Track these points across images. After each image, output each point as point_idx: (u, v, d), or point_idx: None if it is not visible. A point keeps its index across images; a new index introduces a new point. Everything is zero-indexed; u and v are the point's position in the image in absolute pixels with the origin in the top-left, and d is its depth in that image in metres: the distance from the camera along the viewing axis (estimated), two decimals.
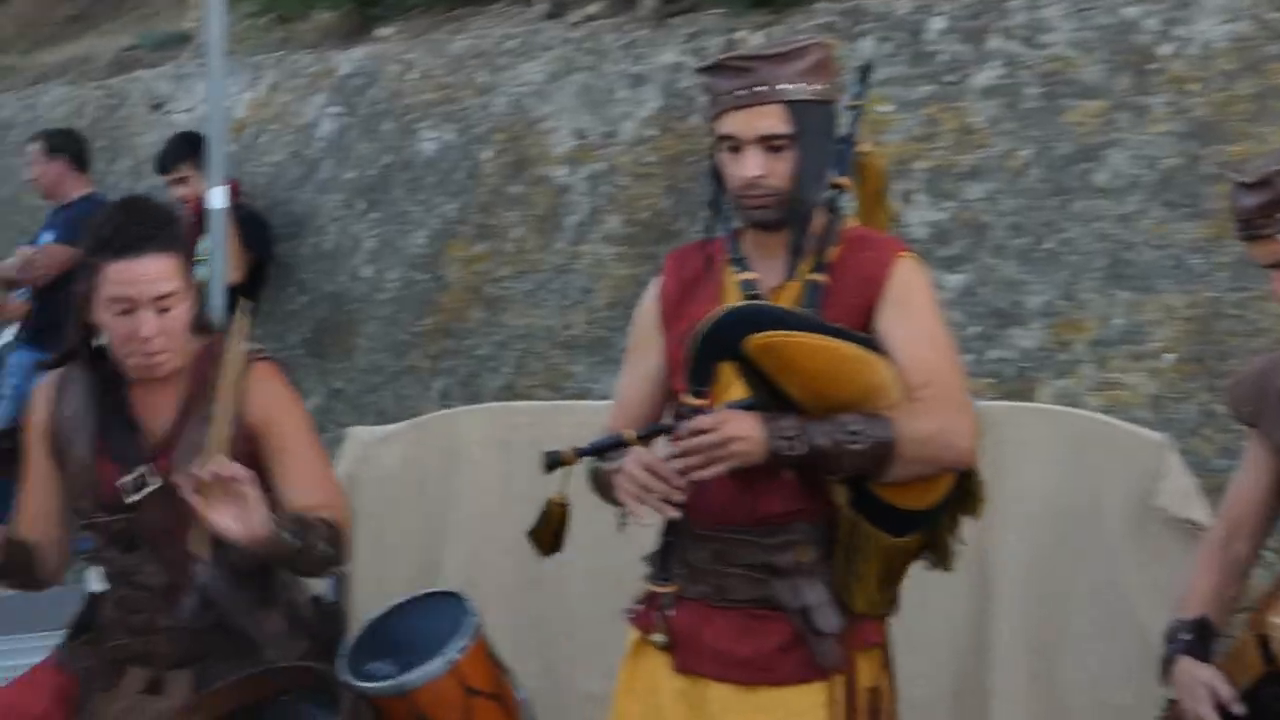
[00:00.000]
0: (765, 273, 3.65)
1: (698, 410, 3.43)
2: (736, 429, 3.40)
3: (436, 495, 5.72)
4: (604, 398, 6.76)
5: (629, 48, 7.41)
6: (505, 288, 7.50)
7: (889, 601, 3.65)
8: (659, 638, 3.67)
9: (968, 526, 3.71)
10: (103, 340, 4.05)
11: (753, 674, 3.58)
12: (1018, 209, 6.13)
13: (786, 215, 3.59)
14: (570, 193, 7.42)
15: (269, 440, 4.01)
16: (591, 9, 7.82)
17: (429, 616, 3.97)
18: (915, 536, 3.57)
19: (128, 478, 4.00)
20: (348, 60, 8.95)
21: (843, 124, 3.73)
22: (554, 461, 3.74)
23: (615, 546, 3.98)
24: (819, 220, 3.63)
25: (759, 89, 3.55)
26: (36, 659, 6.82)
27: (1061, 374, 5.82)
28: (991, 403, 5.20)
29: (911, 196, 6.35)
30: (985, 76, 6.38)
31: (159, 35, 11.49)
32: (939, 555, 3.68)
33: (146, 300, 3.91)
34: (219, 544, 3.85)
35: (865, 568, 3.54)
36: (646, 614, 3.74)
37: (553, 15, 7.99)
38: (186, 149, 8.21)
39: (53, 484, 4.18)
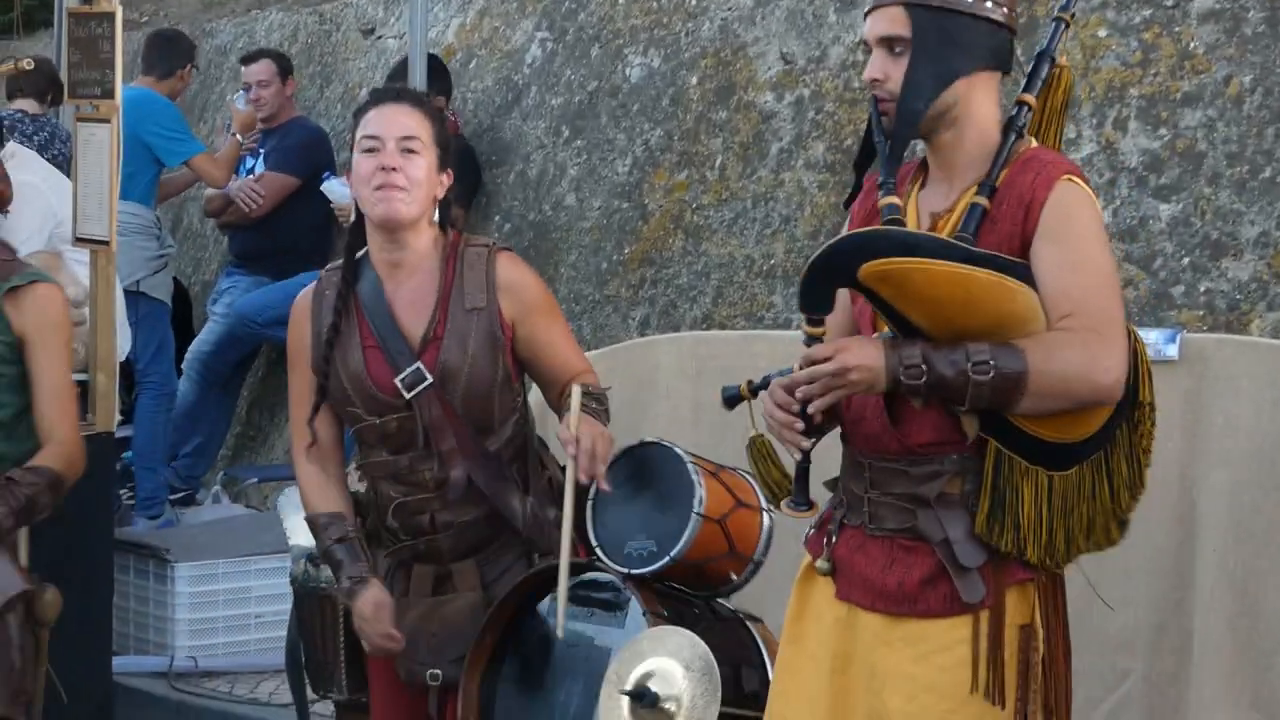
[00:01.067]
0: (935, 195, 3.52)
1: (814, 339, 3.35)
2: (853, 357, 3.33)
3: (629, 424, 5.66)
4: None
5: None
6: (707, 216, 7.42)
7: (1070, 553, 3.50)
8: (823, 564, 3.63)
9: (1172, 461, 3.55)
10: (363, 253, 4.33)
11: (898, 605, 3.51)
12: (1235, 137, 5.92)
13: (895, 124, 3.46)
14: (775, 119, 7.30)
15: (531, 323, 4.26)
16: None
17: (645, 473, 4.19)
18: (1076, 471, 3.42)
19: (403, 375, 4.18)
20: None
21: (1042, 37, 3.60)
22: (731, 397, 3.85)
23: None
24: (992, 137, 3.49)
25: None
26: (250, 581, 7.05)
27: (1275, 307, 5.62)
28: (1200, 335, 5.05)
29: (1125, 123, 6.16)
30: (1206, 1, 6.16)
31: None
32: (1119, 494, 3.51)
33: (392, 139, 4.16)
34: (479, 435, 4.19)
35: (1030, 510, 3.41)
36: (817, 539, 3.69)
37: None
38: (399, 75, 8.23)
39: (325, 406, 4.34)
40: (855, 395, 3.39)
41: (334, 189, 8.44)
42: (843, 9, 7.18)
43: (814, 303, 3.37)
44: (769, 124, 7.33)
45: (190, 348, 9.00)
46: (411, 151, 4.18)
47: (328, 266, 4.43)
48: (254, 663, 7.03)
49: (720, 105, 7.56)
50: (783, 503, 3.62)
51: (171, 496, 8.61)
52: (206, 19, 12.59)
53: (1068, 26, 3.67)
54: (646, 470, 4.20)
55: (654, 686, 3.82)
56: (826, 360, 3.33)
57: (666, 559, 4.00)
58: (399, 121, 4.20)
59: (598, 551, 4.12)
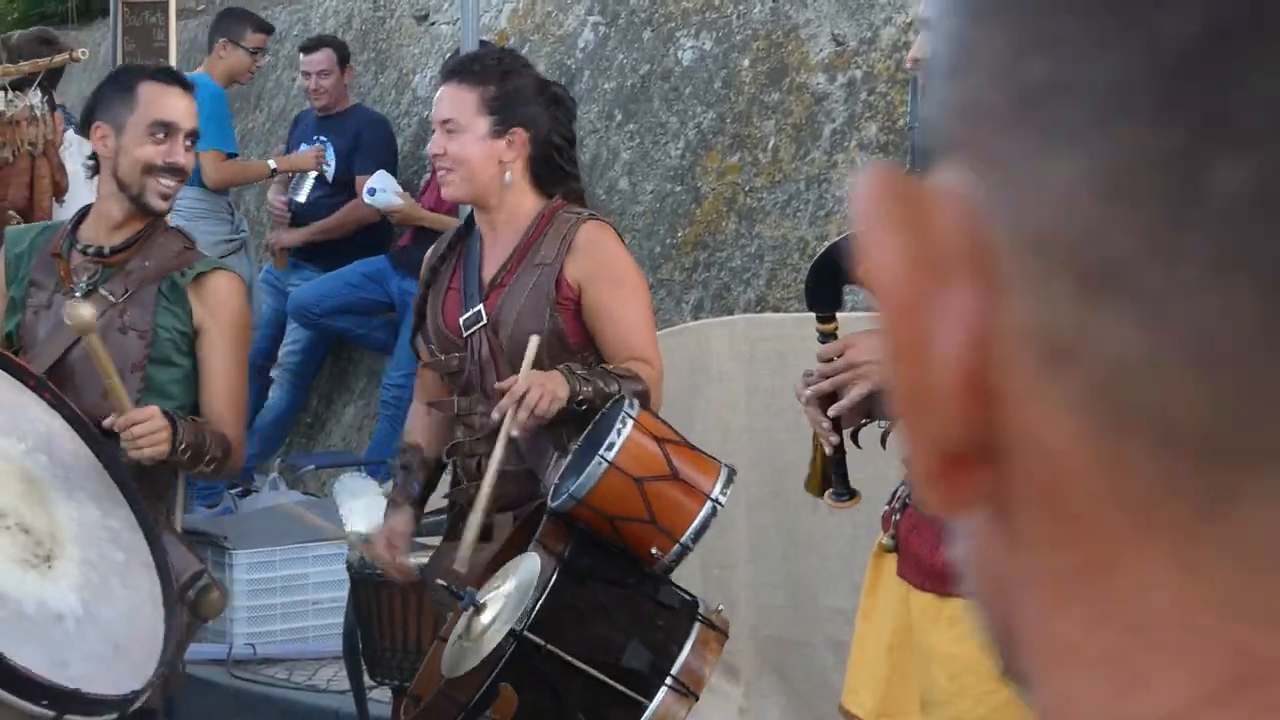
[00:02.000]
0: None
1: (828, 336, 3.39)
2: (860, 353, 3.41)
3: (682, 407, 5.66)
4: (858, 309, 6.66)
5: None
6: (760, 198, 7.40)
7: None
8: (886, 540, 3.67)
9: None
10: None
11: (945, 584, 3.53)
12: None
13: None
14: (827, 101, 7.27)
15: (597, 290, 4.31)
16: None
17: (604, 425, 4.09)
18: None
19: (465, 315, 4.37)
20: None
21: None
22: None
23: (861, 463, 3.91)
24: None
25: None
26: (310, 569, 7.07)
27: None
28: None
29: None
30: None
31: None
32: None
33: (438, 122, 4.38)
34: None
35: None
36: (888, 515, 3.73)
37: None
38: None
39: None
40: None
41: (379, 199, 8.40)
42: None
43: (820, 301, 3.41)
44: (821, 105, 7.30)
45: (281, 356, 9.01)
46: (452, 132, 4.32)
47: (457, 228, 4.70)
48: (312, 649, 7.05)
49: (772, 87, 7.54)
50: (826, 494, 3.63)
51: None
52: (262, 5, 12.62)
53: None
54: (606, 423, 4.12)
55: (485, 599, 3.87)
56: (837, 357, 3.38)
57: (566, 496, 3.88)
58: (441, 104, 4.39)
59: (551, 490, 4.07)
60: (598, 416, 4.13)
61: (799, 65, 7.45)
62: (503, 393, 4.10)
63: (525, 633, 3.75)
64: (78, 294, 4.44)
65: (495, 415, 4.10)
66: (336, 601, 6.52)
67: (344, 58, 9.19)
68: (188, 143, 4.51)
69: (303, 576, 7.10)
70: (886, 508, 3.75)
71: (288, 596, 7.11)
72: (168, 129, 4.47)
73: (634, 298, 4.42)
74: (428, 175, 8.73)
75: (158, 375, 4.43)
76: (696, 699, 3.89)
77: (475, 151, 4.33)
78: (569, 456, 4.09)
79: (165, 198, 4.52)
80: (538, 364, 4.18)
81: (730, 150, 7.62)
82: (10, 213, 8.16)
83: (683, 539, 3.98)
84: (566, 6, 9.01)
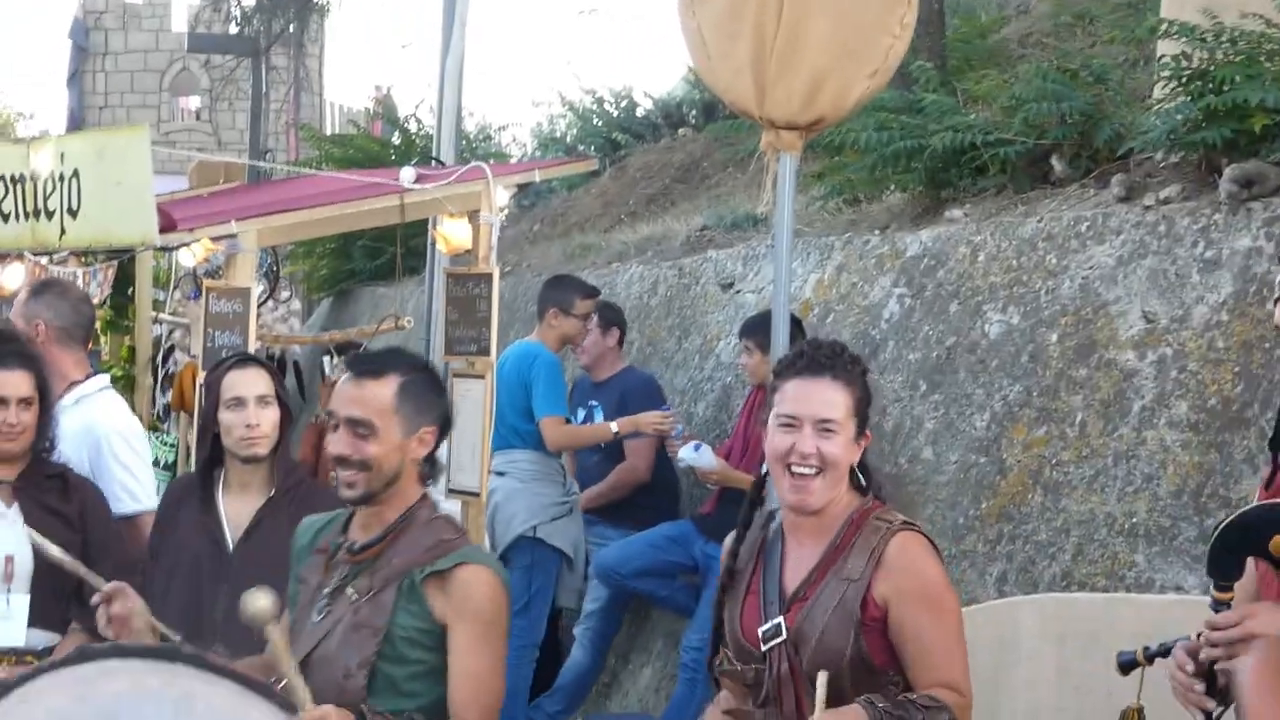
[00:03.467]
0: None
1: (1222, 605, 3.35)
2: (1260, 625, 3.36)
3: (989, 686, 5.62)
4: (1166, 589, 6.56)
5: (1203, 231, 7.23)
6: (1066, 472, 7.36)
7: None
8: None
9: None
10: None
11: None
12: None
13: None
14: (1137, 377, 7.24)
15: (905, 609, 4.08)
16: (1166, 192, 7.67)
17: None
18: None
19: (765, 626, 4.14)
20: (916, 241, 8.99)
21: None
22: (1128, 663, 3.78)
23: None
24: None
25: None
26: None
27: None
28: None
29: None
30: None
31: (732, 216, 11.80)
32: None
33: (810, 421, 4.10)
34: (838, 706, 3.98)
35: None
36: None
37: (1125, 198, 7.86)
38: (762, 327, 8.39)
39: None
40: None
41: (689, 456, 8.50)
42: (1206, 269, 7.13)
43: (1222, 570, 3.39)
44: (1130, 382, 7.27)
45: (582, 615, 9.13)
46: (829, 432, 4.12)
47: (769, 508, 4.41)
48: None
49: (1080, 363, 7.53)
50: None
51: None
52: (568, 270, 12.97)
53: None
54: None
55: None
56: (1233, 626, 3.34)
57: None
58: (819, 399, 4.13)
59: None
60: None
61: (1108, 341, 7.44)
62: None
63: None
64: (325, 592, 4.43)
65: None
66: None
67: (607, 320, 9.37)
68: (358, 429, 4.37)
69: None
70: None
71: None
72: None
73: (946, 618, 4.16)
74: (727, 439, 8.85)
75: (391, 672, 4.31)
76: None
77: (844, 454, 4.16)
78: None
79: (350, 486, 4.42)
80: (838, 687, 3.97)
81: (1036, 423, 7.61)
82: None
83: None
84: (872, 278, 9.13)
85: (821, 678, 3.91)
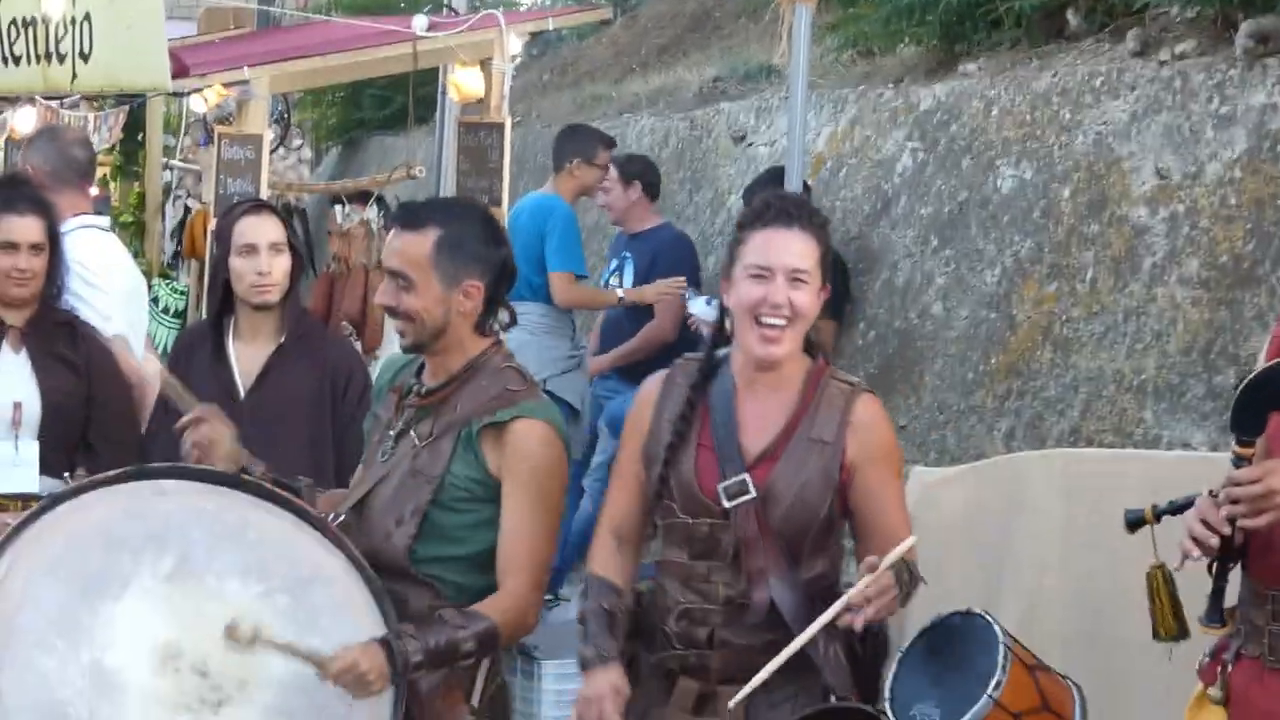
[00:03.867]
0: None
1: (1244, 460, 3.35)
2: None
3: (996, 541, 5.65)
4: (1174, 446, 6.59)
5: (1219, 87, 7.18)
6: (1076, 329, 7.36)
7: None
8: (1215, 692, 3.67)
9: None
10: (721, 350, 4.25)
11: None
12: None
13: None
14: (1149, 234, 7.23)
15: (870, 471, 4.11)
16: (1182, 47, 7.61)
17: (958, 642, 3.95)
18: None
19: (727, 483, 4.10)
20: (930, 95, 8.94)
21: None
22: (1136, 520, 3.78)
23: (1196, 598, 3.89)
24: None
25: None
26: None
27: None
28: None
29: None
30: None
31: (745, 67, 11.72)
32: None
33: (782, 270, 4.06)
34: (795, 564, 4.06)
35: None
36: (1211, 667, 3.71)
37: (1140, 53, 7.80)
38: (767, 187, 8.34)
39: (638, 487, 4.29)
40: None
41: (700, 310, 8.52)
42: (1220, 125, 7.10)
43: (1246, 424, 3.40)
44: (1142, 238, 7.26)
45: (591, 468, 9.18)
46: (800, 283, 4.08)
47: (685, 355, 4.38)
48: None
49: (1092, 218, 7.52)
50: (1197, 617, 3.60)
51: None
52: (578, 120, 12.92)
53: None
54: (959, 638, 3.97)
55: None
56: (1254, 482, 3.35)
57: None
58: (791, 249, 4.09)
59: (885, 706, 3.91)
60: (940, 623, 3.99)
61: (1120, 197, 7.42)
62: (869, 569, 3.84)
63: None
64: (392, 433, 4.46)
65: (843, 603, 3.84)
66: None
67: (628, 175, 9.28)
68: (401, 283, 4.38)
69: None
70: (1207, 660, 3.73)
71: None
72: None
73: (898, 481, 4.24)
74: None
75: (441, 519, 4.33)
76: None
77: (810, 308, 4.13)
78: (896, 664, 3.95)
79: (401, 335, 4.44)
80: (799, 548, 4.08)
81: (1048, 279, 7.61)
82: (344, 324, 8.47)
83: None
84: (885, 131, 9.09)
85: (909, 541, 3.88)
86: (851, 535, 4.22)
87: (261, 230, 5.65)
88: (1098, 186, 7.56)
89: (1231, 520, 3.41)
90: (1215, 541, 3.43)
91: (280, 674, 4.09)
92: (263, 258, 5.62)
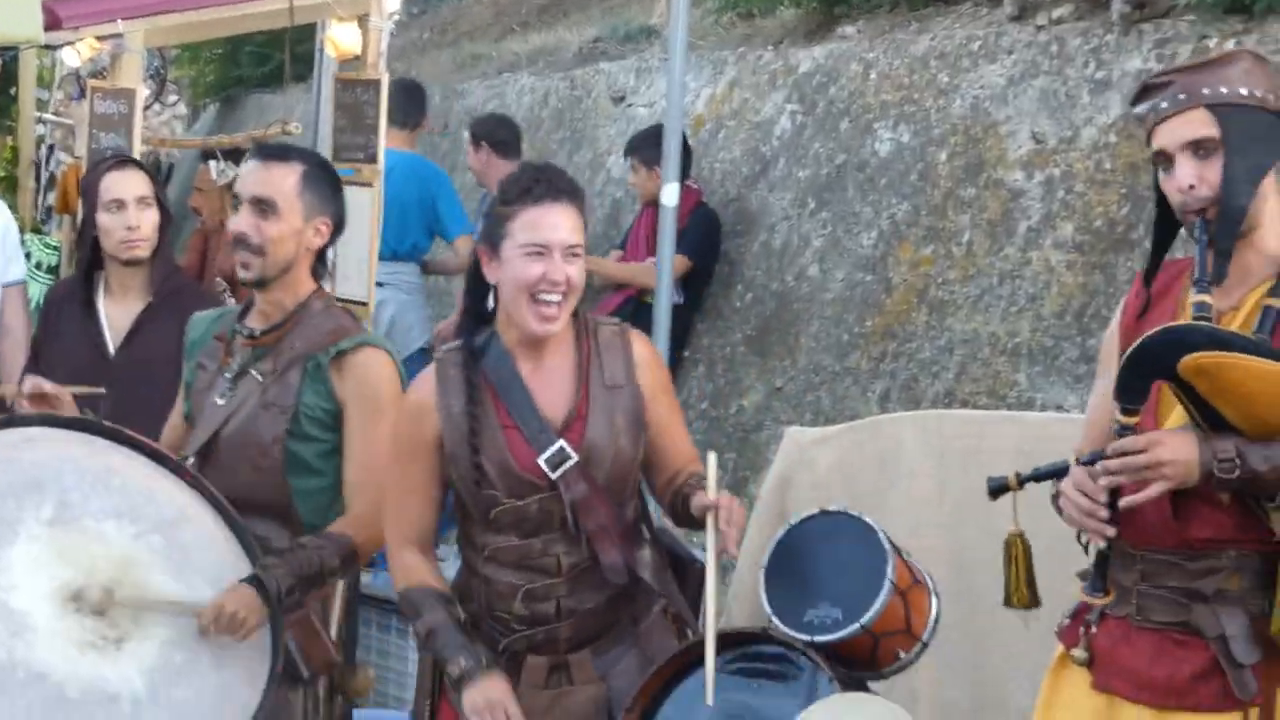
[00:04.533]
0: (1220, 294, 3.53)
1: (1128, 430, 3.37)
2: (1168, 451, 3.37)
3: (869, 502, 5.66)
4: (1047, 408, 6.64)
5: (1095, 52, 7.24)
6: (952, 291, 7.41)
7: None
8: (1079, 653, 3.67)
9: None
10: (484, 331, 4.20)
11: (1166, 698, 3.56)
12: None
13: (1217, 226, 3.47)
14: (1024, 198, 7.28)
15: (658, 404, 4.19)
16: (1059, 12, 7.66)
17: (819, 545, 4.03)
18: None
19: (546, 454, 4.07)
20: (808, 58, 8.95)
21: None
22: (998, 487, 3.79)
23: (1049, 564, 3.92)
24: (1277, 241, 3.51)
25: (1180, 96, 3.51)
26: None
27: None
28: None
29: None
30: None
31: (625, 28, 11.69)
32: None
33: (559, 246, 4.04)
34: (621, 511, 4.12)
35: None
36: (1073, 629, 3.74)
37: (1018, 18, 7.85)
38: (648, 144, 8.33)
39: (431, 494, 4.20)
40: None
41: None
42: (1096, 90, 7.15)
43: (1131, 393, 3.41)
44: (1018, 202, 7.31)
45: None
46: (574, 257, 4.06)
47: (445, 347, 4.27)
48: None
49: (969, 182, 7.56)
50: (1080, 588, 3.63)
51: None
52: (458, 80, 12.85)
53: None
54: (823, 539, 4.03)
55: None
56: (1140, 452, 3.37)
57: (856, 625, 3.85)
58: (565, 225, 4.05)
59: (773, 620, 3.95)
60: (794, 530, 4.06)
61: (996, 161, 7.46)
62: (700, 510, 3.92)
63: None
64: (228, 375, 4.53)
65: (711, 544, 3.88)
66: None
67: (475, 137, 9.24)
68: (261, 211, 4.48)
69: None
70: (1067, 622, 3.76)
71: None
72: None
73: (678, 408, 4.34)
74: (619, 253, 8.84)
75: (299, 450, 4.46)
76: None
77: (583, 278, 4.16)
78: (814, 581, 3.99)
79: (246, 268, 4.52)
80: (622, 493, 4.14)
81: (924, 242, 7.65)
82: (218, 280, 8.38)
83: (924, 637, 4.03)
84: (764, 94, 9.09)
85: (712, 457, 3.97)
86: (648, 466, 4.24)
87: (128, 185, 5.63)
88: (974, 150, 7.60)
89: (1113, 491, 3.43)
90: (1105, 514, 3.44)
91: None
92: (130, 213, 5.60)
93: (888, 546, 3.92)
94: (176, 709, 4.11)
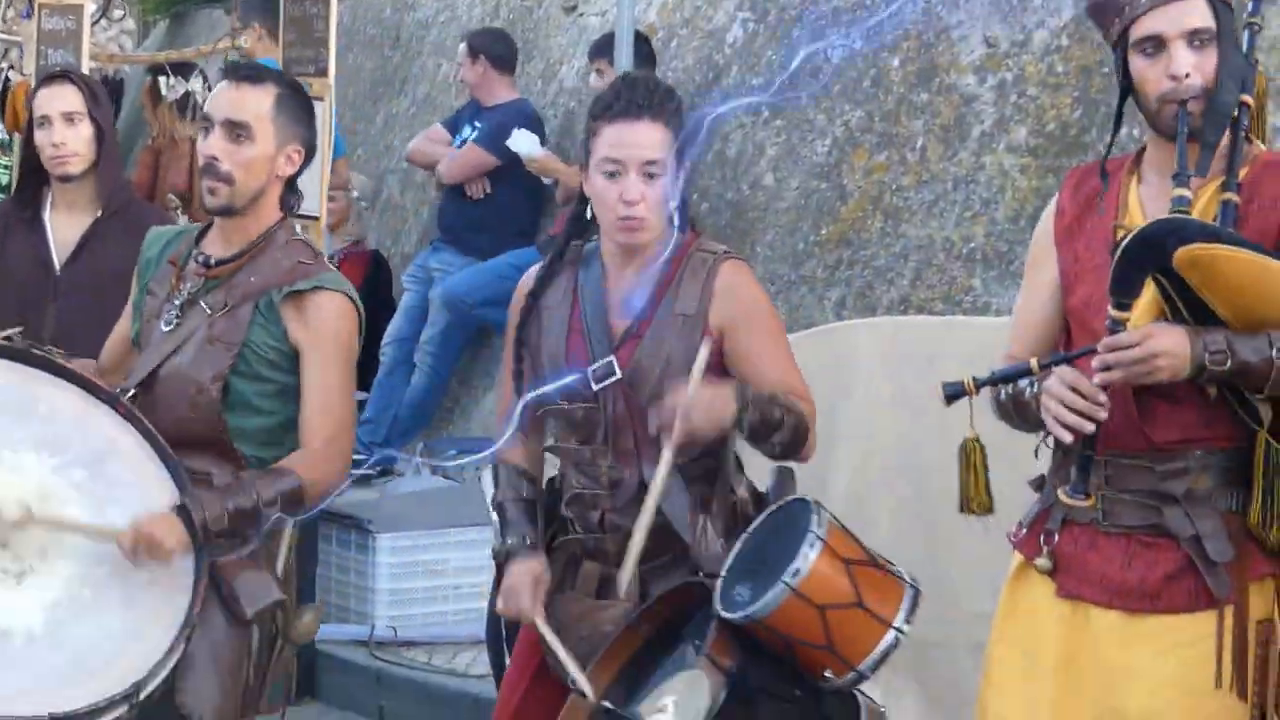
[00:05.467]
0: (1160, 190, 3.53)
1: (1120, 324, 3.36)
2: (1160, 344, 3.37)
3: (825, 409, 5.65)
4: (1003, 313, 6.65)
5: None
6: (906, 198, 7.40)
7: None
8: (1043, 562, 3.66)
9: None
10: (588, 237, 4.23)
11: (1139, 601, 3.56)
12: None
13: (1205, 119, 3.46)
14: (977, 102, 7.27)
15: (740, 334, 4.08)
16: None
17: (789, 526, 3.91)
18: None
19: (595, 365, 4.08)
20: None
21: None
22: (955, 393, 3.76)
23: (1002, 468, 3.92)
24: (1227, 138, 3.51)
25: None
26: (452, 554, 7.18)
27: None
28: None
29: None
30: None
31: None
32: None
33: (635, 164, 4.00)
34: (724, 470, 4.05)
35: None
36: (1031, 538, 3.72)
37: None
38: (609, 46, 8.31)
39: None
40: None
41: (519, 142, 8.53)
42: None
43: (1125, 286, 3.39)
44: (970, 107, 7.30)
45: (421, 342, 9.17)
46: (653, 176, 4.01)
47: (555, 247, 4.32)
48: (452, 633, 7.15)
49: (921, 87, 7.54)
50: (1061, 490, 3.60)
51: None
52: None
53: (1260, 30, 3.68)
54: (790, 524, 3.90)
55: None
56: (1133, 346, 3.36)
57: (742, 614, 3.73)
58: (641, 142, 4.02)
59: (719, 584, 3.88)
60: (776, 507, 3.97)
61: (949, 66, 7.44)
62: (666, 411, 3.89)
63: None
64: (176, 303, 4.38)
65: (654, 429, 3.91)
66: (476, 587, 6.62)
67: (473, 50, 9.26)
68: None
69: (444, 561, 7.20)
70: (1024, 531, 3.75)
71: (429, 580, 7.22)
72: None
73: (780, 338, 4.18)
74: (572, 164, 8.81)
75: (242, 388, 4.30)
76: None
77: (667, 194, 4.05)
78: (740, 543, 3.92)
79: (213, 194, 4.37)
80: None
81: (877, 149, 7.63)
82: (170, 195, 8.36)
83: (860, 668, 3.78)
84: (716, 2, 9.04)
85: (705, 344, 3.94)
86: None
87: (54, 101, 5.60)
88: (926, 55, 7.58)
89: (1107, 385, 3.43)
90: (1103, 416, 3.43)
91: (81, 544, 4.10)
92: (56, 128, 5.55)
93: (805, 551, 3.73)
94: (75, 647, 4.00)
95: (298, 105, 4.42)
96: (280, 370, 4.32)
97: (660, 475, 3.92)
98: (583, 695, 3.96)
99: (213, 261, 4.38)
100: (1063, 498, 3.60)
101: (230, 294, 4.34)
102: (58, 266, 5.56)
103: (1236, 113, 3.51)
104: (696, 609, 3.98)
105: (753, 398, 3.94)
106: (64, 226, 5.61)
